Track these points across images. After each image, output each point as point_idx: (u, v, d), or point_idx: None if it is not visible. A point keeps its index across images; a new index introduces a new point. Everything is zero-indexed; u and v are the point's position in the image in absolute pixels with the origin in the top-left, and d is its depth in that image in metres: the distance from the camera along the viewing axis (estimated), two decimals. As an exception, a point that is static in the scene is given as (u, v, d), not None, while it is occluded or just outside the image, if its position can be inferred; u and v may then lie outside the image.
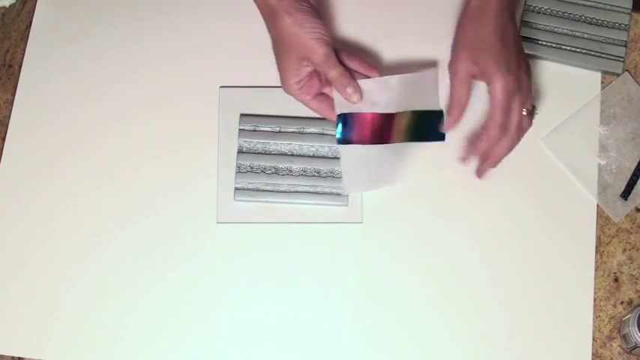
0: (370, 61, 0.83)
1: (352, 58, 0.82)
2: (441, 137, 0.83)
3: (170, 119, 0.88)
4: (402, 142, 0.83)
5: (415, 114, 0.83)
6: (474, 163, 0.84)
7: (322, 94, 0.82)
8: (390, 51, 0.90)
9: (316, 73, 0.81)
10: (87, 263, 0.84)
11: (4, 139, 0.88)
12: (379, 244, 0.84)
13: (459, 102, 0.80)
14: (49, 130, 0.88)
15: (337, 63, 0.79)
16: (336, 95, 0.81)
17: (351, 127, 0.81)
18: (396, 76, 0.81)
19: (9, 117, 0.89)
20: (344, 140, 0.81)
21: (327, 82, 0.81)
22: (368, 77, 0.81)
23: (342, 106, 0.81)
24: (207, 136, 0.87)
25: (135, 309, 0.82)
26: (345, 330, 0.82)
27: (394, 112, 0.82)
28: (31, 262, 0.84)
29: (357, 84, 0.80)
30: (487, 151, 0.80)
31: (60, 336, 0.82)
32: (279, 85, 0.89)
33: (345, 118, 0.81)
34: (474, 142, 0.84)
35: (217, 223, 0.85)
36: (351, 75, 0.80)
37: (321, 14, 0.80)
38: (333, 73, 0.79)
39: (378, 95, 0.81)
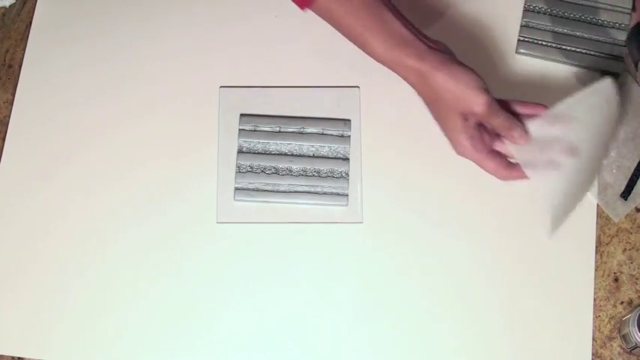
0: (533, 101, 0.78)
1: (512, 102, 0.77)
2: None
3: (170, 119, 0.88)
4: None
5: None
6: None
7: (494, 150, 0.77)
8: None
9: (483, 127, 0.76)
10: (87, 263, 0.84)
11: (4, 139, 0.88)
12: (379, 244, 0.84)
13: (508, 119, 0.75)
14: (49, 130, 0.88)
15: (499, 109, 0.74)
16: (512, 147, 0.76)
17: None
18: (562, 103, 0.75)
19: (9, 117, 0.89)
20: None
21: (496, 136, 0.77)
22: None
23: (520, 154, 0.75)
24: (207, 136, 0.87)
25: (135, 309, 0.82)
26: (345, 329, 0.82)
27: (585, 139, 0.75)
28: (31, 262, 0.84)
29: (523, 126, 0.75)
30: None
31: (60, 336, 0.82)
32: (280, 85, 0.89)
33: None
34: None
35: (217, 223, 0.85)
36: (516, 118, 0.75)
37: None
38: (498, 120, 0.74)
39: (553, 129, 0.75)
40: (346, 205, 0.85)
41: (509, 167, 0.76)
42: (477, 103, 0.73)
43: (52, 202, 0.86)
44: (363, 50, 0.76)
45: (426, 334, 0.82)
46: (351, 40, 0.77)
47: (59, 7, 0.93)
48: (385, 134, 0.87)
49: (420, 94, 0.76)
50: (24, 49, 0.91)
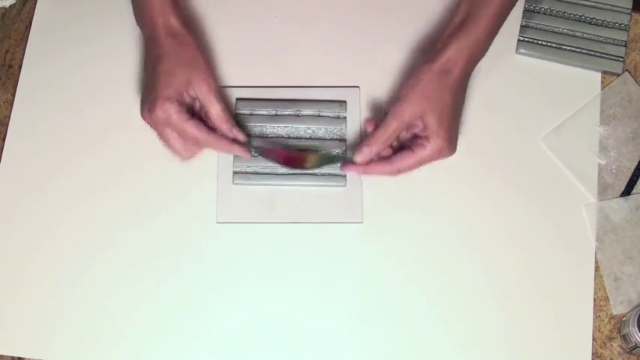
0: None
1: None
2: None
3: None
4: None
5: (323, 157, 0.84)
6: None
7: (199, 120, 0.81)
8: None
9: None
10: (87, 263, 0.84)
11: (4, 139, 0.88)
12: (379, 244, 0.84)
13: (383, 141, 0.79)
14: (49, 130, 0.88)
15: (217, 100, 0.80)
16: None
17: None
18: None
19: (9, 117, 0.89)
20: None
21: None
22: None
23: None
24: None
25: (135, 309, 0.82)
26: (344, 330, 0.82)
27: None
28: (31, 262, 0.84)
29: (231, 124, 0.81)
30: (369, 164, 0.81)
31: (60, 336, 0.82)
32: (279, 85, 0.89)
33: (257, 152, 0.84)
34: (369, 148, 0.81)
35: (217, 223, 0.85)
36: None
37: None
38: (213, 109, 0.80)
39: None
40: (344, 185, 0.85)
41: (210, 133, 0.80)
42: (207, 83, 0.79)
43: (52, 202, 0.86)
44: None
45: (425, 333, 0.82)
46: None
47: (59, 7, 0.93)
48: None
49: (156, 45, 0.81)
50: (24, 49, 0.91)
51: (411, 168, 0.80)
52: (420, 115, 0.78)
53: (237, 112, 0.87)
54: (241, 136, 0.81)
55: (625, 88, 0.89)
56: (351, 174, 0.84)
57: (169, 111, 0.78)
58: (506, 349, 0.81)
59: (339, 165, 0.84)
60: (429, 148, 0.78)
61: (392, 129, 0.79)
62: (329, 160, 0.84)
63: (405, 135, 0.81)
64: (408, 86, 0.79)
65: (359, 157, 0.80)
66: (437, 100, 0.78)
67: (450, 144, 0.79)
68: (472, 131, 0.87)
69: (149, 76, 0.81)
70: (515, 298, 0.83)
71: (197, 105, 0.81)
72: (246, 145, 0.82)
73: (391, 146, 0.82)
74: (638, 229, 0.85)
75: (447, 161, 0.86)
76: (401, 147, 0.81)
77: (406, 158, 0.79)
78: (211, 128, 0.80)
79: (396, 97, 0.80)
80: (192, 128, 0.79)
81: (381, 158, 0.81)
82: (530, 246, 0.84)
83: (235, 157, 0.85)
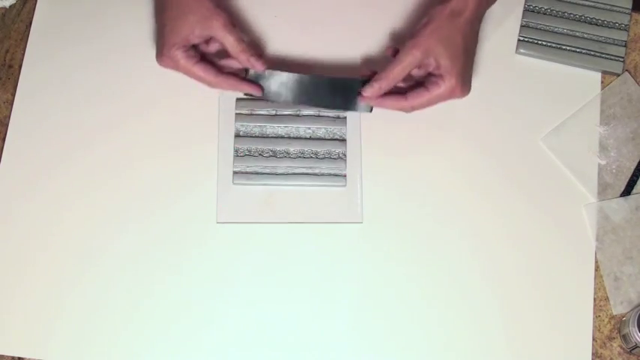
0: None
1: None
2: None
3: (169, 119, 0.88)
4: (320, 107, 0.86)
5: (331, 81, 0.85)
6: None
7: (205, 60, 0.83)
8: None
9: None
10: (87, 263, 0.84)
11: (4, 139, 0.88)
12: (379, 244, 0.84)
13: (394, 77, 0.80)
14: (49, 130, 0.88)
15: (232, 31, 0.81)
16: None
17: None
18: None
19: (9, 117, 0.89)
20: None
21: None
22: None
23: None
24: (207, 136, 0.87)
25: (135, 309, 0.82)
26: (345, 330, 0.82)
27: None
28: (31, 262, 0.84)
29: (253, 56, 0.82)
30: (384, 96, 0.82)
31: (60, 336, 0.82)
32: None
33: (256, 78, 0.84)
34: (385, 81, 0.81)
35: (217, 223, 0.85)
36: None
37: None
38: (228, 41, 0.81)
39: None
40: (344, 185, 0.85)
41: (218, 75, 0.82)
42: (220, 17, 0.81)
43: (52, 202, 0.86)
44: None
45: (425, 333, 0.82)
46: None
47: (59, 7, 0.93)
48: (385, 134, 0.87)
49: None
50: (24, 49, 0.91)
51: (424, 105, 0.81)
52: (432, 54, 0.79)
53: (237, 112, 0.87)
54: (259, 65, 0.83)
55: (625, 88, 0.89)
56: (365, 101, 0.83)
57: (176, 57, 0.81)
58: (506, 349, 0.81)
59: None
60: (443, 86, 0.80)
61: (403, 65, 0.80)
62: (339, 84, 0.85)
63: (419, 72, 0.82)
64: (421, 24, 0.80)
65: (367, 92, 0.81)
66: (449, 40, 0.79)
67: (464, 84, 0.81)
68: (472, 131, 0.87)
69: (158, 25, 0.84)
70: (516, 297, 0.83)
71: (212, 47, 0.84)
72: (256, 83, 0.84)
73: (405, 84, 0.83)
74: (638, 229, 0.85)
75: (447, 161, 0.86)
76: (415, 85, 0.82)
77: (421, 95, 0.81)
78: (219, 70, 0.83)
79: (409, 34, 0.81)
80: (199, 71, 0.82)
81: (396, 93, 0.82)
82: (530, 246, 0.84)
83: (235, 157, 0.85)
